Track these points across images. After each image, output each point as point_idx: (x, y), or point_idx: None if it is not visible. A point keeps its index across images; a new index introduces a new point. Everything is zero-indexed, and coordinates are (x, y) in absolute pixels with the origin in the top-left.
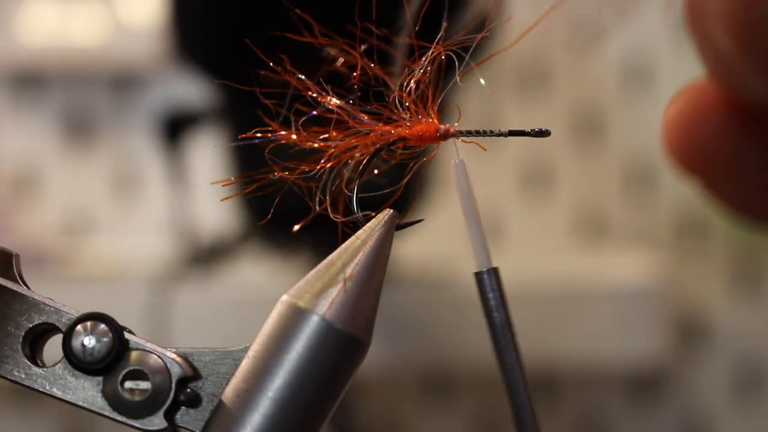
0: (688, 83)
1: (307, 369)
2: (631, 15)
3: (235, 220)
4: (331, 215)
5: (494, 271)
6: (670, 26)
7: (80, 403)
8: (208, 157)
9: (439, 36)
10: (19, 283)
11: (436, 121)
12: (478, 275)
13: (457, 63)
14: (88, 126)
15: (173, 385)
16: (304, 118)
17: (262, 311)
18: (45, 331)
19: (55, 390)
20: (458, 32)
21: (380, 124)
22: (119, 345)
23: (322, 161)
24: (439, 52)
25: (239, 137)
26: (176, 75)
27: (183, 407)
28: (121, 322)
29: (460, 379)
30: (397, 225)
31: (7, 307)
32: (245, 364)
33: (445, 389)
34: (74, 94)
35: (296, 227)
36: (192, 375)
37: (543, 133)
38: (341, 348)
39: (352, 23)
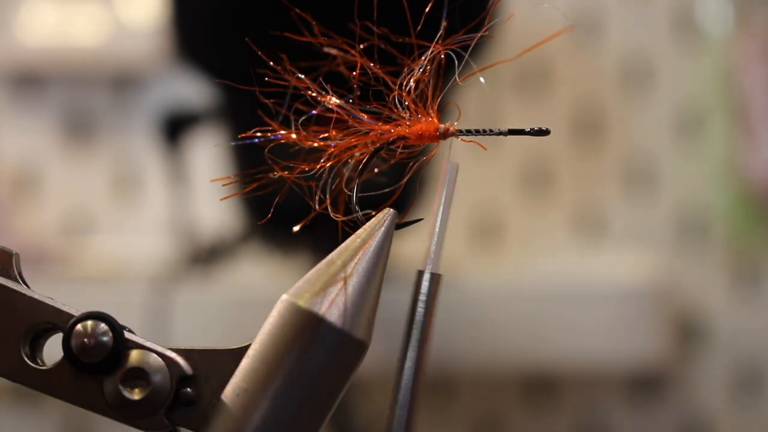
0: None
1: (307, 368)
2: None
3: (235, 220)
4: (331, 214)
5: (436, 277)
6: (670, 26)
7: (80, 403)
8: (208, 157)
9: (438, 35)
10: (19, 283)
11: (435, 120)
12: (420, 274)
13: (456, 62)
14: (88, 126)
15: (173, 385)
16: (304, 118)
17: (262, 311)
18: (45, 330)
19: (55, 390)
20: (458, 31)
21: (380, 124)
22: (119, 344)
23: (322, 161)
24: (439, 52)
25: (239, 137)
26: (176, 75)
27: (183, 407)
28: (121, 322)
29: (460, 379)
30: (397, 224)
31: (7, 306)
32: (245, 363)
33: (446, 389)
34: (74, 94)
35: (296, 227)
36: (192, 374)
37: (542, 132)
38: (341, 348)
39: (352, 23)
